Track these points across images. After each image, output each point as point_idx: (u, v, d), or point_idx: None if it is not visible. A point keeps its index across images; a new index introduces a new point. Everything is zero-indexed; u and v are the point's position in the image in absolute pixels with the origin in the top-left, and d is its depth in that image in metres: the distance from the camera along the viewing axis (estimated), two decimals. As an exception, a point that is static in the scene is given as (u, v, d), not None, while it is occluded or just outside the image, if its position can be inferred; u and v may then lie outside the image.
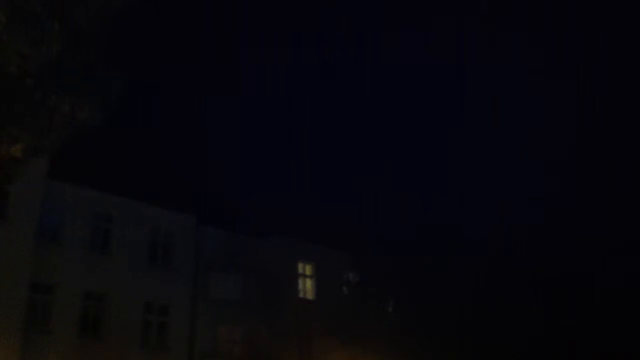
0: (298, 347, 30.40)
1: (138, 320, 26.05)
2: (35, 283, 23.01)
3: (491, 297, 31.36)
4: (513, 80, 62.08)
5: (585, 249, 33.42)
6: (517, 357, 30.52)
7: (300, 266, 32.15)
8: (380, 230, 32.42)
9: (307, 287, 32.19)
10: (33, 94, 10.19)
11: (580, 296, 33.05)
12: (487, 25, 61.57)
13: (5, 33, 9.13)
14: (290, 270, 31.70)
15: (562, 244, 33.61)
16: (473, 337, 30.46)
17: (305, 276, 32.26)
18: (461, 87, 65.94)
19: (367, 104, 64.44)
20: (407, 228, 32.31)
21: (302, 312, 31.05)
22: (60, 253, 24.53)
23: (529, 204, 37.04)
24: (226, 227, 29.94)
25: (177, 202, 28.27)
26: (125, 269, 26.13)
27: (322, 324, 30.80)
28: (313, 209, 33.05)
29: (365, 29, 70.65)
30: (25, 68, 9.61)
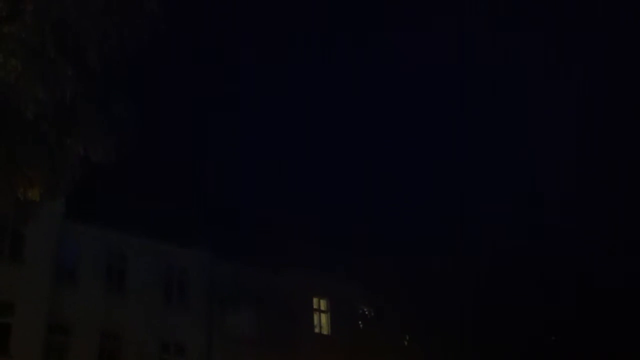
0: (315, 383, 30.11)
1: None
2: (51, 324, 23.07)
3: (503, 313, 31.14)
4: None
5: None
6: None
7: (315, 301, 32.00)
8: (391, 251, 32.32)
9: (322, 323, 32.00)
10: (47, 136, 10.40)
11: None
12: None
13: (20, 79, 9.35)
14: (305, 306, 31.54)
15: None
16: None
17: (320, 311, 32.10)
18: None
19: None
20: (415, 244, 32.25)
21: (319, 348, 30.80)
22: (77, 293, 24.62)
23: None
24: (240, 261, 29.88)
25: (191, 239, 28.31)
26: (141, 308, 26.14)
27: (339, 359, 30.52)
28: (327, 238, 32.96)
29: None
30: (40, 112, 9.81)
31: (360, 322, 33.08)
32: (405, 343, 33.12)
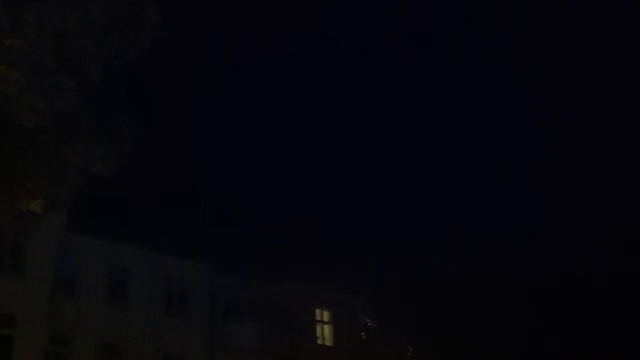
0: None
1: (155, 371, 25.91)
2: (52, 336, 23.01)
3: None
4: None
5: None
6: None
7: (317, 312, 31.86)
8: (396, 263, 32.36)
9: (325, 334, 31.85)
10: (48, 147, 10.39)
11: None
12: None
13: (21, 90, 9.35)
14: (307, 317, 31.40)
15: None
16: None
17: (323, 322, 31.96)
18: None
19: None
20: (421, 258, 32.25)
21: (321, 359, 30.67)
22: (77, 304, 24.56)
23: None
24: (241, 273, 29.83)
25: (192, 250, 28.28)
26: (142, 320, 26.07)
27: (341, 370, 30.39)
28: (329, 249, 32.91)
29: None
30: (40, 123, 9.81)
31: (363, 333, 32.94)
32: (409, 354, 32.98)
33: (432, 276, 31.77)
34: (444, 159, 57.27)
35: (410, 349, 33.09)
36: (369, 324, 33.23)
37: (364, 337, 32.90)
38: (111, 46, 10.03)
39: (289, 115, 64.86)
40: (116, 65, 10.35)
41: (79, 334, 24.12)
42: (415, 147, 61.69)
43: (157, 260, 27.23)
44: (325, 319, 32.00)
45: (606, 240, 34.04)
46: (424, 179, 56.52)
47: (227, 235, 31.26)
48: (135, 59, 10.44)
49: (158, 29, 10.23)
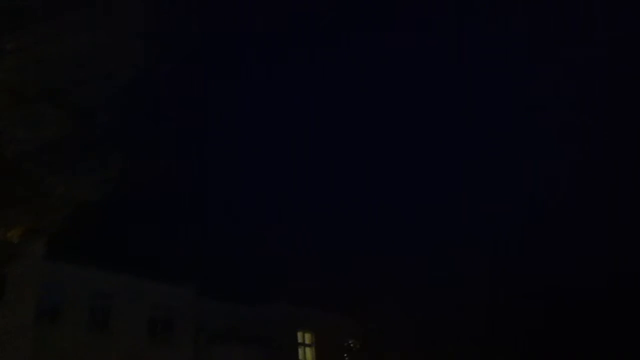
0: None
1: (140, 399, 25.69)
2: (34, 366, 22.75)
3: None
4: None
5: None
6: None
7: (299, 335, 31.82)
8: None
9: (307, 356, 31.78)
10: (30, 176, 10.39)
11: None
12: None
13: (1, 119, 9.37)
14: (290, 340, 31.35)
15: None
16: None
17: (305, 345, 31.90)
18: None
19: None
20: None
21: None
22: (60, 333, 24.33)
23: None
24: (226, 298, 29.79)
25: (177, 276, 28.21)
26: (126, 347, 25.85)
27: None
28: (311, 272, 32.95)
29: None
30: (22, 151, 9.82)
31: (345, 355, 32.89)
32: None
33: (418, 303, 31.93)
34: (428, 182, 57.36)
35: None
36: (352, 345, 33.21)
37: (347, 358, 32.83)
38: (97, 74, 10.10)
39: (276, 145, 64.97)
40: (102, 93, 10.41)
41: (62, 363, 23.87)
42: (399, 168, 61.79)
43: (141, 286, 27.08)
44: (308, 341, 31.97)
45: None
46: (414, 197, 56.56)
47: (212, 259, 31.27)
48: (122, 90, 10.51)
49: (145, 57, 10.33)
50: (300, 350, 31.65)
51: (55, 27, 9.38)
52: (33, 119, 9.73)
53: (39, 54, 9.28)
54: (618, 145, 45.73)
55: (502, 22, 61.46)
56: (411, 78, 66.16)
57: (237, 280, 30.17)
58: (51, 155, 10.50)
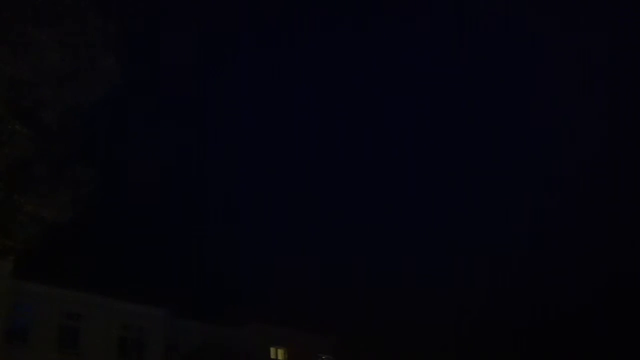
0: None
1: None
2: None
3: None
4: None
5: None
6: None
7: (272, 351, 31.73)
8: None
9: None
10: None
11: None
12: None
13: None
14: (263, 356, 31.22)
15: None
16: None
17: (278, 361, 31.84)
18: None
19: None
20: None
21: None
22: (29, 353, 23.84)
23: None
24: (199, 317, 29.49)
25: (148, 295, 27.84)
26: (96, 368, 25.42)
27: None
28: (284, 288, 32.91)
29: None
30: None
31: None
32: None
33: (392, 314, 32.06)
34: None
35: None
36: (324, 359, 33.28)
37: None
38: (67, 94, 9.94)
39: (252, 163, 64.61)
40: (73, 113, 10.24)
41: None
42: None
43: (112, 306, 26.67)
44: (281, 357, 31.93)
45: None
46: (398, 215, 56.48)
47: (184, 281, 31.02)
48: (92, 108, 10.35)
49: (116, 75, 10.19)
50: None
51: (23, 45, 9.23)
52: (1, 137, 9.53)
53: (7, 73, 9.12)
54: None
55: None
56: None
57: (211, 300, 29.90)
58: (20, 174, 10.29)
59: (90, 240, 27.65)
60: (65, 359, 24.81)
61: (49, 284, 24.92)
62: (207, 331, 29.61)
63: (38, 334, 24.43)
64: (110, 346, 26.24)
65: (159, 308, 28.14)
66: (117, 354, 26.45)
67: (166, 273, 30.51)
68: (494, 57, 61.02)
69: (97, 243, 27.98)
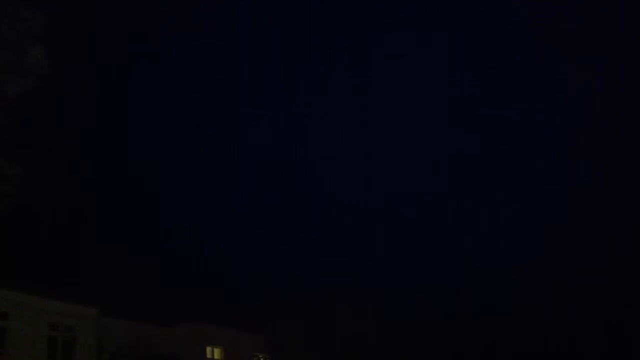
0: None
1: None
2: None
3: None
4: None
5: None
6: None
7: (209, 350, 31.66)
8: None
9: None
10: None
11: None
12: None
13: None
14: (199, 356, 31.11)
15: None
16: None
17: (214, 360, 31.79)
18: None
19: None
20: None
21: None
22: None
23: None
24: (131, 316, 29.04)
25: (78, 294, 27.26)
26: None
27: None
28: (221, 287, 32.77)
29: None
30: None
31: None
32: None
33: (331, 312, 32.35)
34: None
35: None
36: (261, 358, 33.40)
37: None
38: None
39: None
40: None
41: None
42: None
43: (40, 305, 26.03)
44: (217, 356, 31.94)
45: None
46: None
47: (116, 279, 30.48)
48: (18, 101, 10.04)
49: (43, 66, 9.89)
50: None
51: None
52: None
53: None
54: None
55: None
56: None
57: (144, 300, 29.47)
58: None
59: (18, 237, 26.85)
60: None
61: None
62: (139, 331, 29.23)
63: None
64: (39, 346, 25.64)
65: (89, 307, 27.63)
66: (46, 354, 25.87)
67: (97, 272, 29.85)
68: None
69: (25, 240, 27.19)
